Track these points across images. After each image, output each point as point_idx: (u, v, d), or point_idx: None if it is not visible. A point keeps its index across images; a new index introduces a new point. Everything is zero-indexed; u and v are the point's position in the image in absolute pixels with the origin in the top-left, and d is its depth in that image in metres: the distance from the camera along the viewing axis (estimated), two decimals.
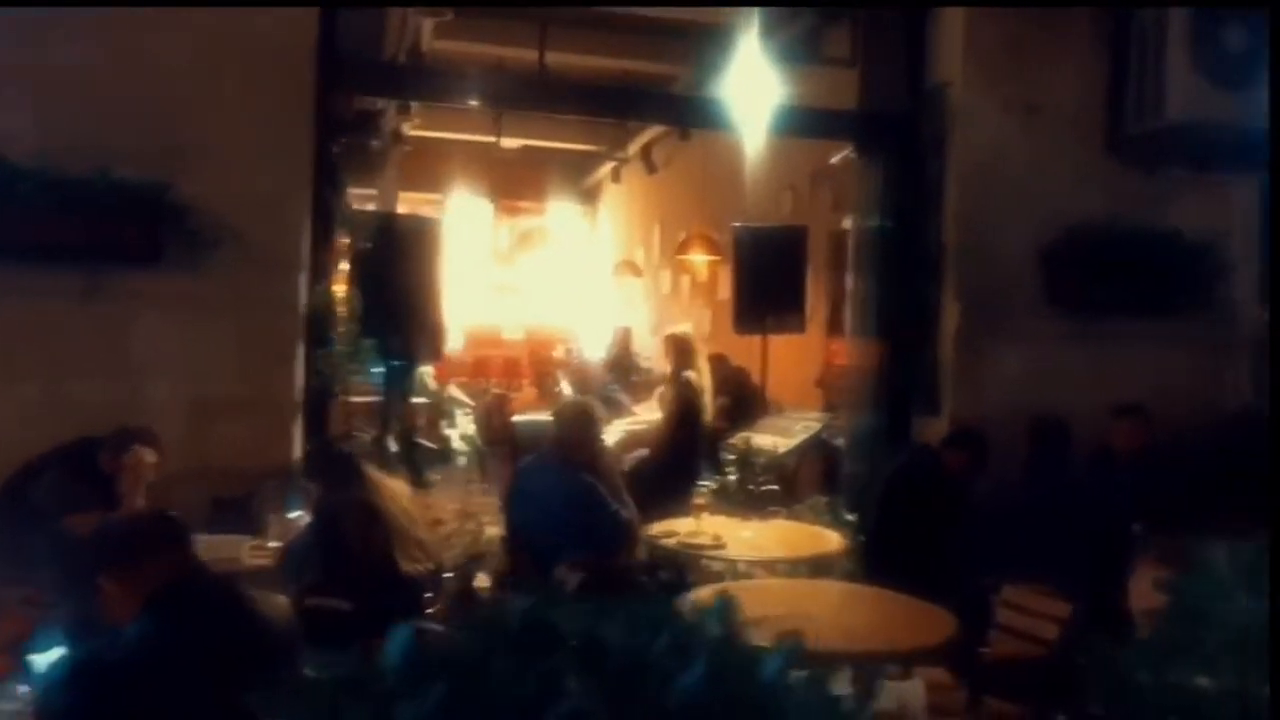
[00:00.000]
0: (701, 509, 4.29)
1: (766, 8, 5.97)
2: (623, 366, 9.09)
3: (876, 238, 5.44)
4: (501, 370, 10.65)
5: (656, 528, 4.27)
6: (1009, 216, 5.01)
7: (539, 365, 10.37)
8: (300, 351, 4.49)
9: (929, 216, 5.18)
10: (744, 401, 7.11)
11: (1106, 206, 5.02)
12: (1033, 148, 5.07)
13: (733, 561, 4.09)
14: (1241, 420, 4.90)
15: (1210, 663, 1.27)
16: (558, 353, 10.82)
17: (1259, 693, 1.22)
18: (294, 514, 3.81)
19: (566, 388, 7.67)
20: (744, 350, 7.49)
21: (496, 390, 8.53)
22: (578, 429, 4.04)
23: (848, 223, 6.11)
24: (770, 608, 3.51)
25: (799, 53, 6.19)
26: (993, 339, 5.00)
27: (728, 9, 6.24)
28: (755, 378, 7.10)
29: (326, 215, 4.70)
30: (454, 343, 10.46)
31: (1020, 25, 5.10)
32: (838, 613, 3.43)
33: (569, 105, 6.57)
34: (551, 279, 12.10)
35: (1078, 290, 4.97)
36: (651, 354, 9.28)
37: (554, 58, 7.65)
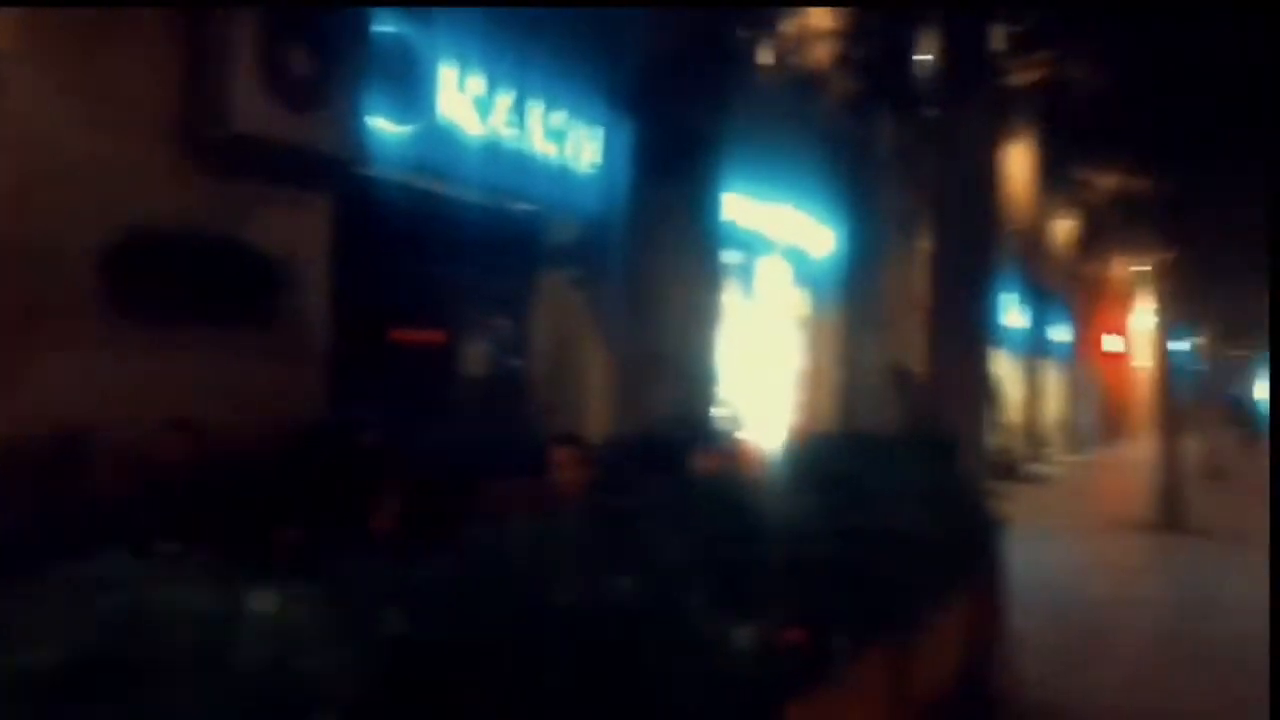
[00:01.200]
0: None
1: None
2: None
3: None
4: None
5: None
6: (63, 212, 4.47)
7: None
8: None
9: None
10: None
11: (182, 211, 4.80)
12: (98, 138, 4.61)
13: None
14: (314, 431, 5.05)
15: None
16: None
17: None
18: None
19: None
20: None
21: None
22: None
23: None
24: None
25: None
26: (40, 346, 4.38)
27: None
28: None
29: None
30: None
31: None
32: None
33: None
34: None
35: (147, 298, 4.65)
36: None
37: None
